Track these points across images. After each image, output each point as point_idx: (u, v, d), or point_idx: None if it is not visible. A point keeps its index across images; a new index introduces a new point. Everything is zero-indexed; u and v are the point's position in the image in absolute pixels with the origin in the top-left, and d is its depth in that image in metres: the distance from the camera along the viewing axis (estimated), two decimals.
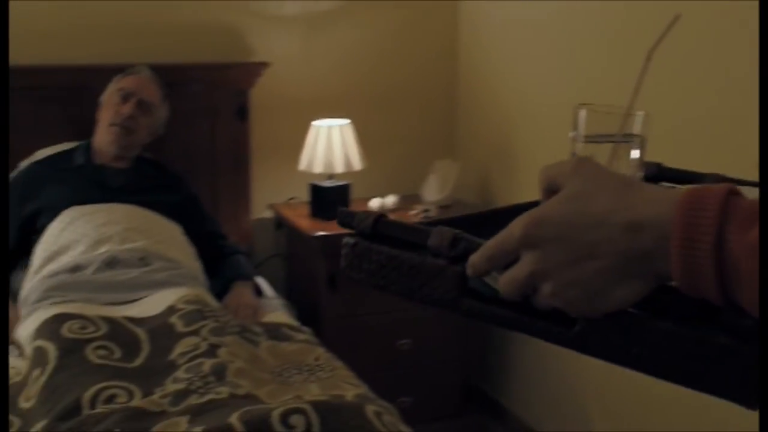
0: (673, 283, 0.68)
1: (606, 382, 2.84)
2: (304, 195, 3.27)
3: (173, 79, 3.07)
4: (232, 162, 3.28)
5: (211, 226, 2.99)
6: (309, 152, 3.17)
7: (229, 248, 2.95)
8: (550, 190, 0.74)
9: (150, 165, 2.96)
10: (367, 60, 3.50)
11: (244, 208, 3.32)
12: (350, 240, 0.86)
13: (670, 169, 1.20)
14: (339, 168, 3.13)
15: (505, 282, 0.74)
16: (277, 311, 2.69)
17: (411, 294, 0.82)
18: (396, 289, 0.84)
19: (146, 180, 2.89)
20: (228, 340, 2.20)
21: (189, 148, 3.22)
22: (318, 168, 3.13)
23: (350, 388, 2.09)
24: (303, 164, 3.17)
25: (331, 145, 3.13)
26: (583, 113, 0.96)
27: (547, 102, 3.05)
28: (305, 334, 2.48)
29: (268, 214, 3.41)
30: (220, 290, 2.75)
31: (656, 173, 1.19)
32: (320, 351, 2.35)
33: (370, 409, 1.83)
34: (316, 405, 1.74)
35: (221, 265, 2.85)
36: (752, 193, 0.69)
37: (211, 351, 2.11)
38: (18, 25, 3.01)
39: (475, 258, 0.77)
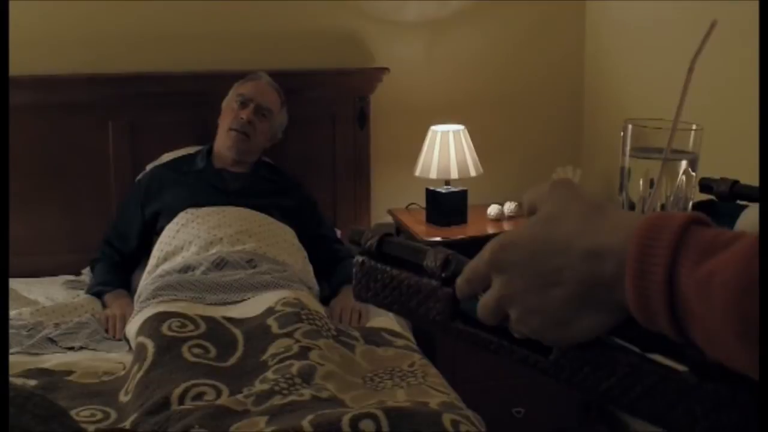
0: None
1: None
2: (423, 202, 3.26)
3: (294, 85, 3.12)
4: (352, 167, 3.30)
5: (327, 230, 3.03)
6: (425, 157, 3.16)
7: (343, 252, 2.97)
8: (531, 214, 0.73)
9: (268, 170, 3.02)
10: (487, 65, 3.45)
11: (363, 214, 3.34)
12: (359, 259, 0.87)
13: (745, 186, 1.12)
14: (454, 174, 3.10)
15: (480, 307, 0.73)
16: (382, 316, 2.69)
17: (410, 314, 0.82)
18: (398, 309, 0.84)
19: (263, 184, 2.95)
20: (321, 343, 2.21)
21: (309, 153, 3.26)
22: (433, 173, 3.12)
23: (437, 395, 2.05)
24: (419, 170, 3.17)
25: (446, 150, 3.11)
26: (629, 127, 0.94)
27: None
28: (404, 339, 2.47)
29: (387, 219, 3.41)
30: (329, 293, 2.77)
31: (727, 191, 1.11)
32: (416, 357, 2.33)
33: (447, 418, 1.79)
34: (389, 411, 1.72)
35: (334, 269, 2.88)
36: None
37: (303, 353, 2.13)
38: (146, 34, 3.15)
39: (459, 280, 0.76)
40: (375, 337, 2.44)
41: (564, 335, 0.69)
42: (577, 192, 0.71)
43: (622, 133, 0.98)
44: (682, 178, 0.96)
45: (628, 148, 0.97)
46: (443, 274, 0.78)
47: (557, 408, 3.17)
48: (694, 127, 0.95)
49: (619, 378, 0.69)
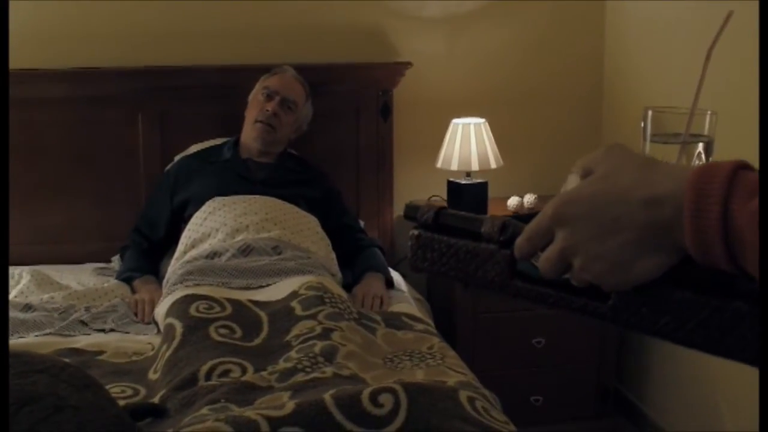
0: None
1: (740, 386, 2.73)
2: (444, 193, 3.31)
3: (319, 78, 3.19)
4: (375, 160, 3.37)
5: (350, 220, 3.09)
6: (446, 150, 3.22)
7: (366, 241, 3.04)
8: (586, 176, 0.79)
9: (294, 161, 3.09)
10: (508, 61, 3.51)
11: (386, 205, 3.40)
12: (415, 232, 0.92)
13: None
14: (474, 165, 3.16)
15: (542, 261, 0.80)
16: (404, 303, 2.75)
17: (468, 278, 0.89)
18: (455, 275, 0.90)
19: (288, 174, 3.02)
20: (344, 325, 2.27)
21: (334, 145, 3.33)
22: (454, 165, 3.18)
23: (455, 375, 2.11)
24: (440, 162, 3.23)
25: (467, 142, 3.17)
26: (649, 113, 1.01)
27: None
28: (425, 324, 2.53)
29: None
30: (352, 280, 2.84)
31: None
32: (435, 340, 2.39)
33: (463, 394, 1.85)
34: (407, 386, 1.78)
35: (357, 258, 2.95)
36: None
37: (325, 334, 2.19)
38: (175, 29, 3.23)
39: (518, 240, 0.82)
40: (395, 321, 2.50)
41: (626, 278, 0.75)
42: (629, 152, 0.78)
43: (642, 122, 1.04)
44: (696, 161, 1.02)
45: (648, 133, 1.03)
46: (501, 238, 0.85)
47: (574, 397, 3.22)
48: (709, 111, 1.01)
49: (674, 314, 0.75)
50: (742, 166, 0.70)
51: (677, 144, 1.01)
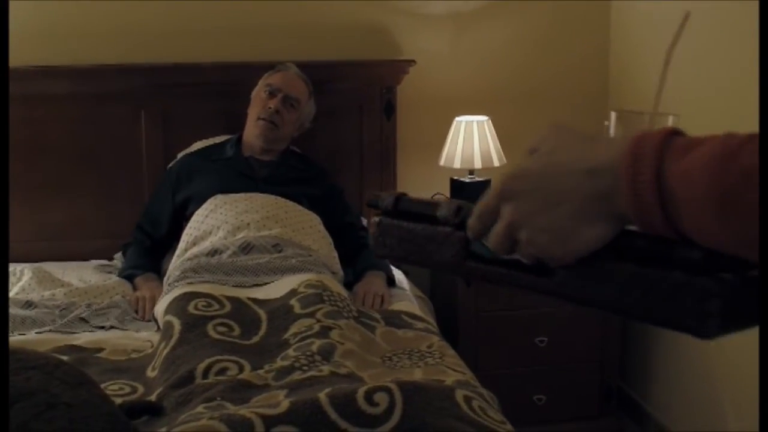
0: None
1: (743, 385, 2.72)
2: (447, 191, 3.31)
3: (322, 76, 3.19)
4: (379, 157, 3.36)
5: (353, 218, 3.09)
6: (449, 148, 3.21)
7: (368, 239, 3.02)
8: (533, 153, 0.81)
9: (296, 158, 3.09)
10: (512, 59, 3.49)
11: None
12: (376, 219, 0.96)
13: None
14: (477, 163, 3.15)
15: (491, 238, 0.82)
16: (404, 301, 2.74)
17: (425, 261, 0.91)
18: (413, 259, 0.93)
19: (290, 172, 3.02)
20: (342, 323, 2.27)
21: (337, 143, 3.33)
22: (457, 163, 3.17)
23: (453, 374, 2.10)
24: (443, 159, 3.22)
25: (470, 140, 3.16)
26: (613, 115, 1.03)
27: (699, 106, 2.94)
28: (425, 323, 2.52)
29: None
30: (353, 279, 2.83)
31: None
32: (435, 339, 2.38)
33: (460, 394, 1.84)
34: (402, 385, 1.77)
35: (359, 256, 2.94)
36: None
37: (323, 333, 2.19)
38: (178, 26, 3.23)
39: (470, 220, 0.85)
40: (395, 320, 2.50)
41: (569, 249, 0.77)
42: (573, 130, 0.81)
43: (606, 123, 1.06)
44: None
45: (613, 135, 1.04)
46: (455, 221, 0.87)
47: (577, 396, 3.20)
48: (671, 115, 1.02)
49: (616, 286, 0.76)
50: (675, 132, 0.73)
51: None
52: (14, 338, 2.39)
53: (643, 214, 0.72)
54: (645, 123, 1.02)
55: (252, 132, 2.99)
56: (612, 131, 1.06)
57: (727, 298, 0.70)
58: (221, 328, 2.23)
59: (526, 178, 0.79)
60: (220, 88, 3.23)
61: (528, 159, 0.80)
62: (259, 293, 2.47)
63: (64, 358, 2.22)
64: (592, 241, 0.76)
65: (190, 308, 2.29)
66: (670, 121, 1.04)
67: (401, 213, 0.94)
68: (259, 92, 3.03)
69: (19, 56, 2.98)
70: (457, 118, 3.22)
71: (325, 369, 1.99)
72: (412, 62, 3.29)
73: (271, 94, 2.98)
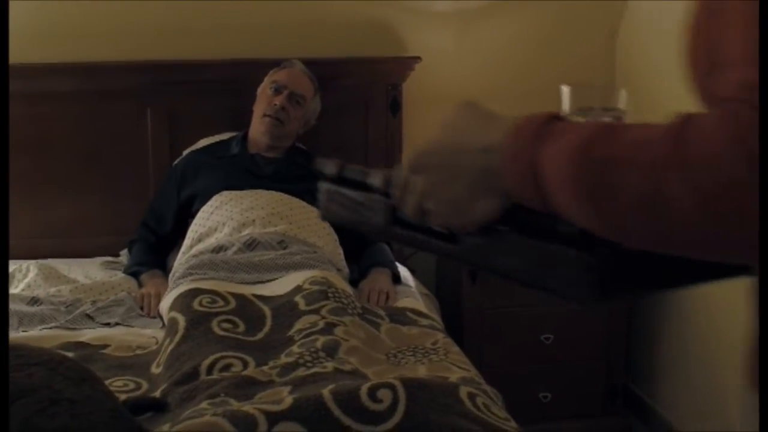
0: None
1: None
2: None
3: (327, 73, 3.18)
4: (384, 155, 3.35)
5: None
6: None
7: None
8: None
9: (302, 155, 3.09)
10: (519, 57, 3.49)
11: None
12: (323, 186, 1.03)
13: None
14: None
15: (407, 207, 0.91)
16: (410, 297, 2.74)
17: (361, 226, 1.01)
18: (350, 222, 1.02)
19: (296, 169, 3.01)
20: (347, 320, 2.26)
21: (342, 140, 3.32)
22: None
23: (458, 371, 2.10)
24: None
25: None
26: (565, 90, 1.13)
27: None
28: (430, 319, 2.51)
29: None
30: (358, 276, 2.83)
31: None
32: (440, 336, 2.38)
33: (464, 390, 1.84)
34: (406, 381, 1.77)
35: (364, 253, 2.94)
36: None
37: (328, 329, 2.18)
38: (183, 23, 3.23)
39: (392, 190, 0.94)
40: (400, 317, 2.49)
41: (467, 219, 0.86)
42: (478, 108, 0.89)
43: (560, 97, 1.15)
44: None
45: (565, 108, 1.15)
46: (386, 189, 0.95)
47: (583, 394, 3.20)
48: (623, 89, 1.13)
49: (506, 254, 0.85)
50: (556, 116, 0.80)
51: (590, 118, 1.11)
52: (19, 334, 2.39)
53: (521, 191, 0.80)
54: (596, 97, 1.13)
55: (257, 129, 2.99)
56: (565, 105, 1.13)
57: (600, 270, 0.77)
58: (226, 325, 2.23)
59: (432, 153, 0.88)
60: (226, 85, 3.23)
61: (435, 136, 0.89)
62: (264, 290, 2.47)
63: (69, 354, 2.23)
64: (486, 212, 0.85)
65: (195, 305, 2.30)
66: (621, 96, 1.10)
67: (343, 180, 1.02)
68: (264, 89, 3.03)
69: (24, 54, 2.98)
70: None
71: (329, 365, 1.99)
72: (417, 59, 3.29)
73: (277, 91, 2.98)
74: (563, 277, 0.79)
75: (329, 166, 1.04)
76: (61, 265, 2.96)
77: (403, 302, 2.66)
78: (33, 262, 2.91)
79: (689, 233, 0.70)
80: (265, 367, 2.03)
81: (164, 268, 2.89)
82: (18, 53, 3.02)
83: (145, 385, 2.10)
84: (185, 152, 3.13)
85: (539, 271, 0.82)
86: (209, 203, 2.84)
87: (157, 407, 1.91)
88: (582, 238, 0.77)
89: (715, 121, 0.68)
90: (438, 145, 0.88)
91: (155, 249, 2.97)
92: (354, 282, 2.76)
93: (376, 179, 0.97)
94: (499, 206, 0.84)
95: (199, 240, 2.75)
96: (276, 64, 3.09)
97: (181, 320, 2.24)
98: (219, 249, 2.65)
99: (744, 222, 0.67)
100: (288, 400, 1.69)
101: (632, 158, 0.71)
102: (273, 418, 1.63)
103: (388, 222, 0.97)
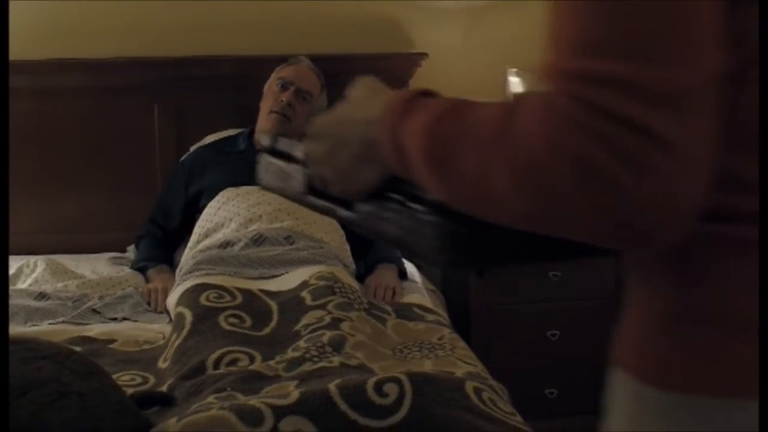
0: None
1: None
2: None
3: (334, 69, 3.18)
4: None
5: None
6: None
7: None
8: None
9: None
10: (525, 54, 3.48)
11: None
12: (260, 156, 1.12)
13: None
14: None
15: (313, 175, 0.98)
16: (416, 293, 2.74)
17: (288, 194, 1.08)
18: (280, 191, 1.10)
19: None
20: (353, 315, 2.27)
21: None
22: None
23: (464, 366, 2.10)
24: None
25: None
26: (511, 72, 1.15)
27: None
28: (435, 315, 2.52)
29: None
30: (365, 271, 2.84)
31: None
32: (446, 331, 2.38)
33: (470, 385, 1.84)
34: (412, 376, 1.77)
35: (370, 248, 2.94)
36: None
37: (334, 324, 2.19)
38: (190, 19, 3.24)
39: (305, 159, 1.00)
40: (407, 312, 2.50)
41: (353, 187, 0.92)
42: (372, 83, 0.95)
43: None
44: None
45: (507, 91, 1.17)
46: (304, 159, 1.00)
47: (590, 390, 3.19)
48: None
49: (388, 220, 0.91)
50: (425, 93, 0.84)
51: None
52: (27, 329, 2.40)
53: (391, 162, 0.85)
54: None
55: (264, 125, 2.99)
56: (509, 87, 1.16)
57: (454, 236, 0.83)
58: (233, 320, 2.24)
59: (325, 125, 0.94)
60: (233, 81, 3.24)
61: (332, 109, 0.96)
62: (271, 285, 2.47)
63: (77, 348, 2.24)
64: (368, 181, 0.90)
65: (202, 300, 2.30)
66: None
67: (276, 152, 1.09)
68: (271, 85, 3.04)
69: (32, 50, 3.00)
70: None
71: (336, 360, 2.00)
72: (424, 55, 3.29)
73: (284, 87, 2.99)
74: (426, 242, 0.85)
75: (265, 139, 1.13)
76: (69, 260, 2.97)
77: (409, 298, 2.67)
78: (41, 257, 2.92)
79: (511, 213, 0.74)
80: (271, 362, 2.03)
81: (171, 264, 2.90)
82: (26, 49, 3.05)
83: (152, 380, 2.10)
84: (192, 148, 3.14)
85: (411, 236, 0.87)
86: (216, 199, 2.84)
87: (164, 401, 1.91)
88: (441, 206, 0.82)
89: (536, 111, 0.71)
90: (331, 116, 0.95)
91: (162, 244, 2.98)
92: (360, 278, 2.77)
93: (299, 150, 1.02)
94: (380, 175, 0.89)
95: (206, 235, 2.76)
96: (283, 60, 3.09)
97: (188, 315, 2.25)
98: (226, 244, 2.65)
99: (561, 217, 0.71)
100: (294, 395, 1.69)
101: (469, 136, 0.75)
102: (279, 412, 1.63)
103: (305, 190, 1.03)
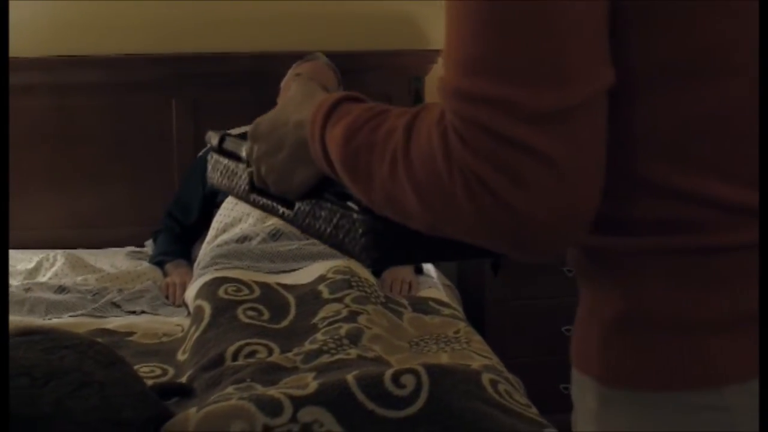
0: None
1: None
2: None
3: (350, 66, 3.19)
4: None
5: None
6: None
7: None
8: None
9: None
10: None
11: None
12: (210, 155, 1.14)
13: None
14: None
15: (254, 174, 0.99)
16: (432, 288, 2.76)
17: (234, 193, 1.09)
18: (226, 189, 1.11)
19: None
20: (370, 308, 2.29)
21: None
22: None
23: (479, 359, 2.12)
24: None
25: None
26: None
27: None
28: (451, 309, 2.53)
29: None
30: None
31: None
32: (462, 325, 2.40)
33: (486, 377, 1.86)
34: (429, 368, 1.79)
35: None
36: None
37: (351, 317, 2.21)
38: (209, 16, 3.27)
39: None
40: (423, 306, 2.51)
41: (290, 186, 0.94)
42: (307, 84, 0.98)
43: None
44: None
45: None
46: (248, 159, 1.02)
47: None
48: None
49: (321, 219, 0.93)
50: (351, 99, 0.87)
51: None
52: (47, 321, 2.43)
53: (319, 164, 0.87)
54: None
55: None
56: None
57: (375, 234, 0.86)
58: (251, 313, 2.26)
59: (263, 125, 0.95)
60: (250, 77, 3.25)
61: (272, 110, 0.98)
62: (288, 279, 2.49)
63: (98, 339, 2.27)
64: (304, 180, 0.92)
65: (220, 293, 2.32)
66: None
67: (224, 151, 1.10)
68: (288, 82, 3.05)
69: (51, 46, 3.03)
70: None
71: (353, 352, 2.01)
72: (439, 52, 3.29)
73: None
74: (354, 239, 0.88)
75: (213, 138, 1.13)
76: (87, 255, 3.00)
77: (426, 292, 2.68)
78: (60, 251, 2.95)
79: (417, 221, 0.78)
80: (289, 354, 2.05)
81: (189, 258, 2.93)
82: (46, 46, 3.08)
83: (171, 372, 2.13)
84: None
85: (342, 235, 0.90)
86: None
87: (183, 392, 1.94)
88: (364, 206, 0.86)
89: (432, 128, 0.73)
90: (269, 116, 0.96)
91: (180, 239, 3.00)
92: (377, 272, 2.78)
93: (244, 150, 1.03)
94: (314, 175, 0.91)
95: (224, 230, 2.79)
96: (300, 57, 3.11)
97: (207, 308, 2.27)
98: (243, 239, 2.68)
99: (459, 228, 0.75)
100: (313, 385, 1.71)
101: (378, 147, 0.78)
102: (298, 402, 1.66)
103: (249, 189, 1.04)
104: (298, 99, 0.94)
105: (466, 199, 0.71)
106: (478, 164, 0.69)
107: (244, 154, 1.02)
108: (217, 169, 1.12)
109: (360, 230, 0.87)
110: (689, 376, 0.76)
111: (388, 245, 0.87)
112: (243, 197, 1.07)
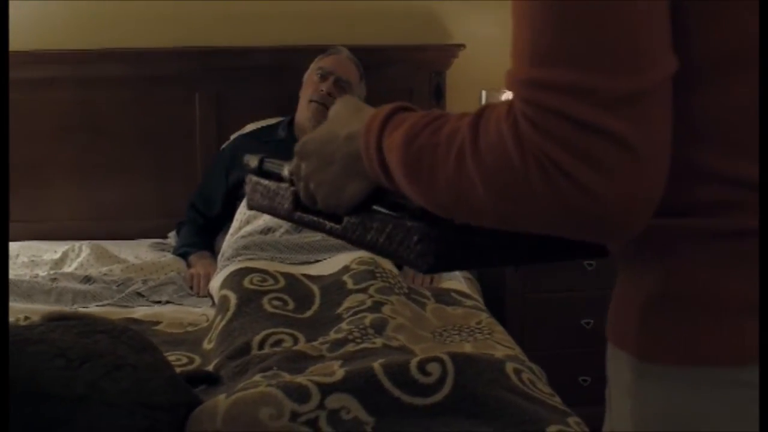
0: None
1: None
2: None
3: (372, 60, 3.22)
4: None
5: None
6: None
7: None
8: None
9: None
10: None
11: None
12: (248, 177, 1.15)
13: None
14: None
15: (300, 191, 1.01)
16: (453, 279, 2.78)
17: (276, 213, 1.11)
18: (267, 210, 1.13)
19: None
20: (394, 299, 2.31)
21: None
22: None
23: (502, 348, 2.14)
24: None
25: None
26: (483, 93, 1.19)
27: None
28: (473, 300, 2.56)
29: None
30: None
31: None
32: (484, 316, 2.42)
33: (510, 366, 1.88)
34: (454, 356, 1.81)
35: None
36: None
37: (376, 307, 2.23)
38: (232, 10, 3.29)
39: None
40: (445, 297, 2.54)
41: (341, 200, 0.95)
42: (352, 101, 1.00)
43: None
44: None
45: None
46: (291, 178, 1.05)
47: None
48: None
49: (373, 230, 0.94)
50: (403, 108, 0.89)
51: None
52: (76, 310, 2.46)
53: (375, 174, 0.88)
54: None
55: (304, 114, 3.04)
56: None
57: (434, 240, 0.87)
58: (276, 302, 2.29)
59: (312, 142, 0.97)
60: (273, 71, 3.28)
61: (317, 127, 1.00)
62: (312, 270, 2.52)
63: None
64: (356, 194, 0.94)
65: (246, 283, 2.35)
66: None
67: (263, 173, 1.13)
68: (311, 75, 3.08)
69: (75, 40, 3.07)
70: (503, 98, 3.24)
71: (378, 342, 2.04)
72: (461, 47, 3.32)
73: (323, 77, 3.03)
74: (408, 247, 0.89)
75: (252, 161, 1.15)
76: (112, 246, 3.03)
77: (447, 284, 2.70)
78: (85, 242, 2.99)
79: (486, 214, 0.79)
80: (315, 343, 2.08)
81: (212, 250, 2.96)
82: (71, 40, 3.12)
83: (197, 360, 2.15)
84: (233, 137, 3.19)
85: (395, 244, 0.91)
86: None
87: (210, 380, 1.96)
88: (422, 212, 0.87)
89: (502, 118, 0.75)
90: (316, 134, 0.98)
91: (203, 231, 3.03)
92: (399, 264, 2.80)
93: (286, 170, 1.05)
94: (366, 188, 0.93)
95: (248, 222, 2.81)
96: (322, 51, 3.14)
97: (233, 298, 2.30)
98: (267, 230, 2.70)
99: (532, 216, 0.76)
100: (340, 373, 1.73)
101: (442, 146, 0.79)
102: (326, 389, 1.68)
103: (293, 208, 1.06)
104: (345, 115, 0.96)
105: (541, 182, 0.72)
106: (551, 147, 0.71)
107: (286, 173, 1.05)
108: (257, 190, 1.14)
109: (415, 237, 0.88)
110: (725, 353, 0.78)
111: (443, 251, 0.88)
112: (286, 216, 1.09)
